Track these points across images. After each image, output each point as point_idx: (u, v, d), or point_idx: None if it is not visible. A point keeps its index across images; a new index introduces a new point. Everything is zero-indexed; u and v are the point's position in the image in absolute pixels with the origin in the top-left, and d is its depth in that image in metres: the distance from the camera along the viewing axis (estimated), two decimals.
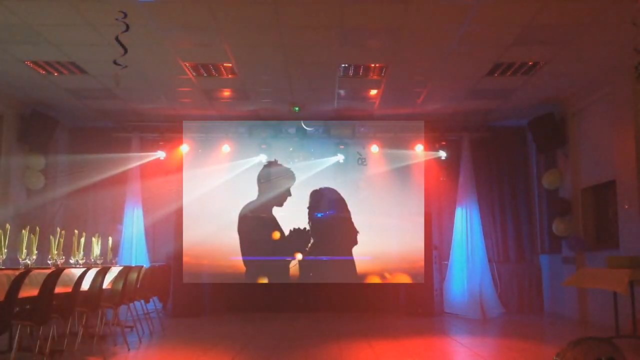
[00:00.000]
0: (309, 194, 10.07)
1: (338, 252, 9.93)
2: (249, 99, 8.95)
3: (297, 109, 9.21)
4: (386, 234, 9.89)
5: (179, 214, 9.74)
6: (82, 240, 6.76)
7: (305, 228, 10.00)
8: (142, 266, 7.53)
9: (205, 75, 7.76)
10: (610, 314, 6.83)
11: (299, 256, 9.87)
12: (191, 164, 9.96)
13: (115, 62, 5.37)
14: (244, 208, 10.00)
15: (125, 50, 5.35)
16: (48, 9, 5.71)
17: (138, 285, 7.04)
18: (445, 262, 9.91)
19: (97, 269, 5.89)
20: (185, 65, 7.36)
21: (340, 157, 10.08)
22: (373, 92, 8.59)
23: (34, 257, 5.38)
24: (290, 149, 10.08)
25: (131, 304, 6.95)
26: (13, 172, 8.98)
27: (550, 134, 9.20)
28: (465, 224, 9.79)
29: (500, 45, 6.71)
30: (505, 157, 10.40)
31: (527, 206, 10.33)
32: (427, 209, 9.83)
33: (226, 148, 10.02)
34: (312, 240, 9.96)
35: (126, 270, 6.58)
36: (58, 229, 6.20)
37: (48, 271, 4.80)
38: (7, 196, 8.86)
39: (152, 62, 7.27)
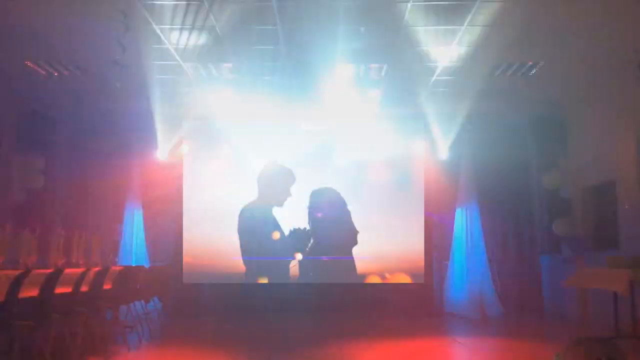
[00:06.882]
0: (309, 194, 10.07)
1: (338, 252, 9.92)
2: (249, 98, 8.94)
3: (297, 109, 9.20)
4: (386, 234, 9.87)
5: (179, 213, 9.74)
6: (82, 240, 6.75)
7: (305, 228, 9.98)
8: (142, 266, 7.53)
9: (205, 74, 7.75)
10: (610, 314, 6.83)
11: (299, 256, 9.85)
12: (191, 164, 9.95)
13: (115, 62, 5.38)
14: (244, 208, 9.98)
15: (125, 50, 5.36)
16: (48, 9, 5.71)
17: (138, 286, 7.05)
18: (445, 262, 9.90)
19: (97, 269, 5.89)
20: (185, 65, 7.35)
21: (340, 157, 10.06)
22: (373, 92, 8.58)
23: (34, 257, 5.37)
24: (291, 149, 10.08)
25: (131, 304, 6.95)
26: (13, 172, 8.97)
27: (550, 134, 9.20)
28: (465, 224, 9.78)
29: (500, 45, 6.71)
30: (505, 157, 10.39)
31: (527, 206, 10.32)
32: (427, 209, 9.83)
33: (226, 148, 10.01)
34: (312, 240, 9.95)
35: (126, 270, 6.59)
36: (58, 229, 6.19)
37: (48, 271, 4.80)
38: (7, 196, 8.85)
39: (152, 62, 7.26)
